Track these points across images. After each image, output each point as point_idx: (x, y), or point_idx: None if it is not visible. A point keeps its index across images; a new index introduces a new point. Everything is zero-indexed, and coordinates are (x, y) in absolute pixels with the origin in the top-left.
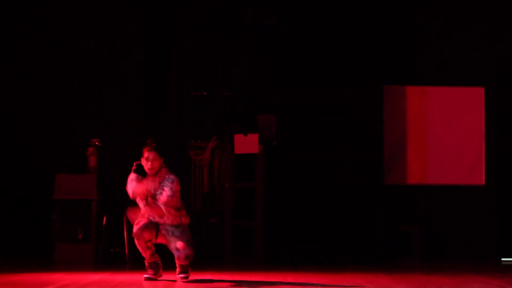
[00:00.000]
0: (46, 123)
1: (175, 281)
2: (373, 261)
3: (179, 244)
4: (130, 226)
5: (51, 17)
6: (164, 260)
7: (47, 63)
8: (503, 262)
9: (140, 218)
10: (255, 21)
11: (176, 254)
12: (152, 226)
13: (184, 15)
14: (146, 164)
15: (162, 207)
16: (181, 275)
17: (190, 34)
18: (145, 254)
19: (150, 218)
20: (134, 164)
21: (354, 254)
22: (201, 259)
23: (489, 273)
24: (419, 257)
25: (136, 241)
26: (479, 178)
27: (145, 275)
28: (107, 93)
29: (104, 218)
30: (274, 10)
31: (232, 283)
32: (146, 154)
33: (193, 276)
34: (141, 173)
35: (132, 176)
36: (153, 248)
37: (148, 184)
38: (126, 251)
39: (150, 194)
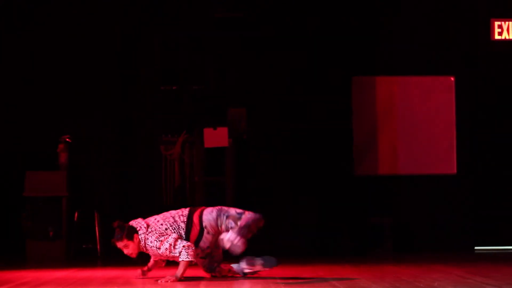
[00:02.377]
0: (16, 120)
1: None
2: (344, 253)
3: None
4: (101, 222)
5: (24, 17)
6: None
7: (19, 61)
8: (476, 251)
9: None
10: (224, 15)
11: None
12: None
13: (155, 8)
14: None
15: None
16: None
17: (159, 28)
18: None
19: None
20: None
21: (326, 246)
22: None
23: (456, 263)
24: (391, 248)
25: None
26: (451, 167)
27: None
28: (77, 90)
29: (76, 214)
30: (243, 4)
31: (194, 277)
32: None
33: (157, 271)
34: None
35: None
36: None
37: None
38: (98, 247)
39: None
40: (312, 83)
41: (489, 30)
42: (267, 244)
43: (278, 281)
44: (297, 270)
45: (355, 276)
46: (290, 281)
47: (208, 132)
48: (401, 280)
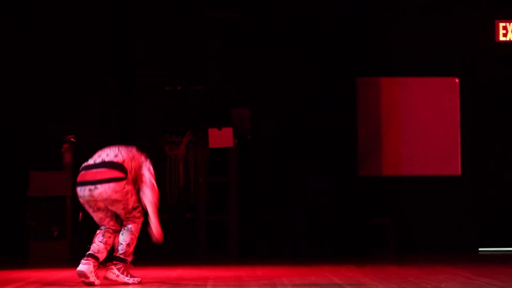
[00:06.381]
0: (21, 120)
1: None
2: (348, 253)
3: None
4: None
5: (24, 20)
6: None
7: (21, 62)
8: (480, 253)
9: None
10: (227, 15)
11: None
12: None
13: (155, 8)
14: None
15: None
16: None
17: (162, 28)
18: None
19: None
20: None
21: (329, 247)
22: (176, 253)
23: (461, 264)
24: (394, 249)
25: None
26: (455, 168)
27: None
28: (82, 89)
29: (80, 215)
30: (244, 3)
31: (200, 278)
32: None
33: (164, 271)
34: None
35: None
36: None
37: None
38: None
39: None
40: (316, 83)
41: (494, 32)
42: (268, 244)
43: (285, 282)
44: (302, 270)
45: (361, 277)
46: (297, 282)
47: (213, 132)
48: (407, 281)
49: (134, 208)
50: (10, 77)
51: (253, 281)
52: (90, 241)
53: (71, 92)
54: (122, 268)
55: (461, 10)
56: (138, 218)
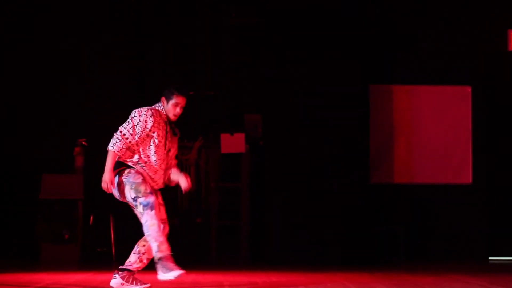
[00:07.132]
0: (33, 123)
1: None
2: (359, 260)
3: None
4: (116, 226)
5: (40, 23)
6: None
7: (35, 65)
8: (490, 261)
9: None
10: (241, 21)
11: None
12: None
13: (167, 11)
14: (173, 110)
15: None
16: None
17: (175, 32)
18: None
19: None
20: None
21: (340, 254)
22: (187, 258)
23: (473, 272)
24: (405, 256)
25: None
26: (467, 177)
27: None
28: (92, 93)
29: (91, 218)
30: (260, 10)
31: (215, 283)
32: (178, 100)
33: None
34: None
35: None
36: None
37: None
38: (113, 250)
39: None
40: (328, 90)
41: (506, 41)
42: (279, 250)
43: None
44: (316, 277)
45: (376, 284)
46: None
47: (225, 137)
48: None
49: (133, 199)
50: (23, 79)
51: (269, 287)
52: (100, 245)
53: (84, 95)
54: (126, 276)
55: (473, 19)
56: (141, 211)
